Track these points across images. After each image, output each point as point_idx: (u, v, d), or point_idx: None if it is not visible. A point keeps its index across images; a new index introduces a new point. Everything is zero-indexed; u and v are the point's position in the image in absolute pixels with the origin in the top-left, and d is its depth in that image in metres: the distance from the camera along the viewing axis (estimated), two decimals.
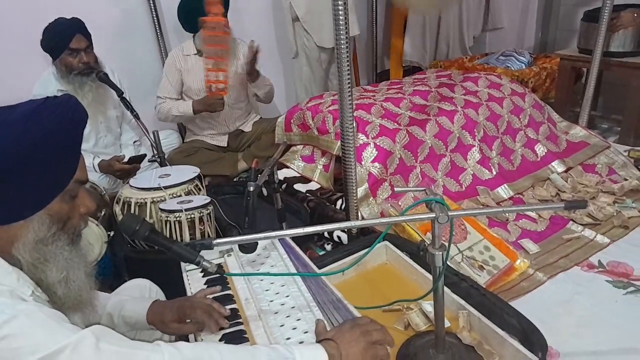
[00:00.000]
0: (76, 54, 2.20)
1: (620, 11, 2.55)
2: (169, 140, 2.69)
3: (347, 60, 1.55)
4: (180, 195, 1.82)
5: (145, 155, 2.29)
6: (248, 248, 1.30)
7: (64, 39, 2.16)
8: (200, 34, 2.53)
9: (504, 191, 2.19)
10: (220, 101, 2.55)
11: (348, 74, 1.58)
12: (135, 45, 2.82)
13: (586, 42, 2.77)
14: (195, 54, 2.61)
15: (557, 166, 2.35)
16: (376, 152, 2.09)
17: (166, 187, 1.82)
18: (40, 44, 2.20)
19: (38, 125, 0.84)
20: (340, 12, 1.48)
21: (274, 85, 2.81)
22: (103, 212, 1.94)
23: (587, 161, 2.39)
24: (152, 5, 2.75)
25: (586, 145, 2.49)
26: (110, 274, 1.84)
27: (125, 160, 2.26)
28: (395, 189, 1.15)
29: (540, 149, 2.42)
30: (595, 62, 2.41)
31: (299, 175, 2.38)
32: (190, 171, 1.96)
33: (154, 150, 2.19)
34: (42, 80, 2.25)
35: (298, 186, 2.29)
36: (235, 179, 2.63)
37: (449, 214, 0.99)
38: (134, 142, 2.55)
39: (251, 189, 1.38)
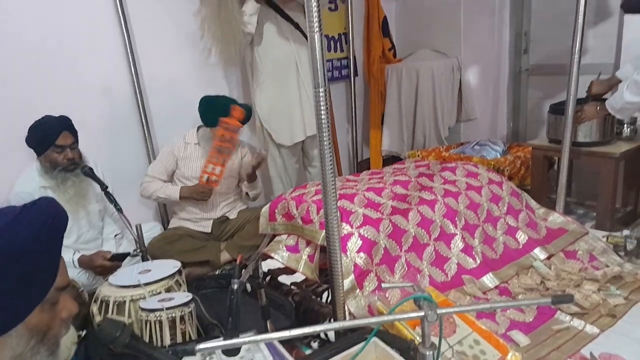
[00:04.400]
0: (61, 151, 2.23)
1: (583, 104, 2.72)
2: (152, 233, 2.65)
3: (330, 150, 1.60)
4: (160, 292, 1.77)
5: (128, 254, 2.24)
6: (231, 351, 1.24)
7: (51, 136, 2.20)
8: (214, 130, 2.63)
9: (489, 280, 2.18)
10: (209, 192, 2.64)
11: (331, 164, 1.61)
12: (122, 140, 2.87)
13: (554, 132, 2.92)
14: (196, 144, 2.73)
15: (539, 253, 2.37)
16: (361, 242, 2.09)
17: (146, 284, 1.77)
18: (25, 140, 2.24)
19: (15, 239, 0.78)
20: (321, 103, 1.54)
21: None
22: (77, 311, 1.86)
23: (567, 247, 2.43)
24: (140, 101, 2.85)
25: (565, 231, 2.53)
26: None
27: (109, 257, 2.21)
28: (383, 284, 1.15)
29: (521, 237, 2.45)
30: (565, 153, 2.52)
31: (284, 266, 2.35)
32: (170, 266, 1.93)
33: (136, 244, 2.16)
34: (25, 176, 2.25)
35: (282, 278, 2.25)
36: (217, 272, 2.58)
37: (438, 311, 0.98)
38: (115, 235, 2.51)
39: (235, 286, 1.35)
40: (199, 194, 2.63)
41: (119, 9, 2.71)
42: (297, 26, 3.01)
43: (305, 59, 2.98)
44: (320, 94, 1.52)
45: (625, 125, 2.88)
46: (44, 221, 0.82)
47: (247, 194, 2.91)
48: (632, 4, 2.42)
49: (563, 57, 2.79)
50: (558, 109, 2.81)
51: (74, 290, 1.95)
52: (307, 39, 1.50)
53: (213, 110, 2.63)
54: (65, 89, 2.61)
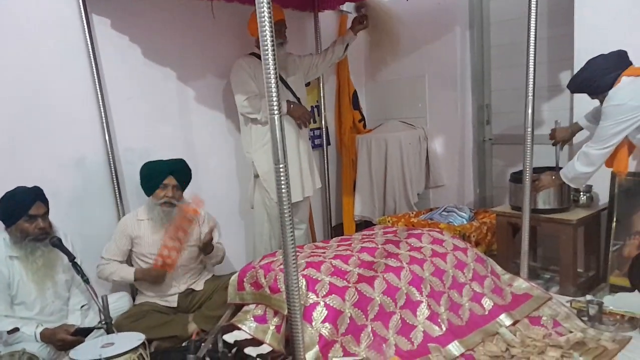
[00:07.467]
0: (33, 220, 2.25)
1: (540, 173, 2.87)
2: (119, 304, 2.61)
3: (290, 221, 1.68)
4: None
5: (92, 329, 2.20)
6: None
7: (25, 206, 2.23)
8: (154, 196, 2.68)
9: (454, 348, 2.19)
10: (163, 276, 2.64)
11: (292, 237, 1.68)
12: (93, 209, 2.88)
13: (516, 200, 3.05)
14: (148, 219, 2.72)
15: (505, 319, 2.41)
16: (326, 312, 2.11)
17: (108, 358, 1.74)
18: None
19: None
20: (282, 178, 1.64)
21: (226, 245, 2.94)
22: None
23: (532, 313, 2.47)
24: (113, 171, 2.90)
25: (530, 297, 2.59)
26: None
27: (72, 331, 2.17)
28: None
29: (487, 303, 2.49)
30: (525, 220, 2.64)
31: (251, 337, 2.33)
32: (134, 339, 1.91)
33: (101, 315, 2.14)
34: None
35: (249, 350, 2.21)
36: (184, 344, 2.53)
37: None
38: (82, 306, 2.47)
39: None
40: (152, 278, 2.64)
41: (96, 81, 2.79)
42: (295, 96, 3.22)
43: None
44: (281, 170, 1.61)
45: (582, 193, 3.02)
46: None
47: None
48: (575, 86, 2.65)
49: (521, 128, 2.96)
50: (518, 178, 2.95)
51: None
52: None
53: (151, 178, 2.69)
54: (38, 159, 2.64)
